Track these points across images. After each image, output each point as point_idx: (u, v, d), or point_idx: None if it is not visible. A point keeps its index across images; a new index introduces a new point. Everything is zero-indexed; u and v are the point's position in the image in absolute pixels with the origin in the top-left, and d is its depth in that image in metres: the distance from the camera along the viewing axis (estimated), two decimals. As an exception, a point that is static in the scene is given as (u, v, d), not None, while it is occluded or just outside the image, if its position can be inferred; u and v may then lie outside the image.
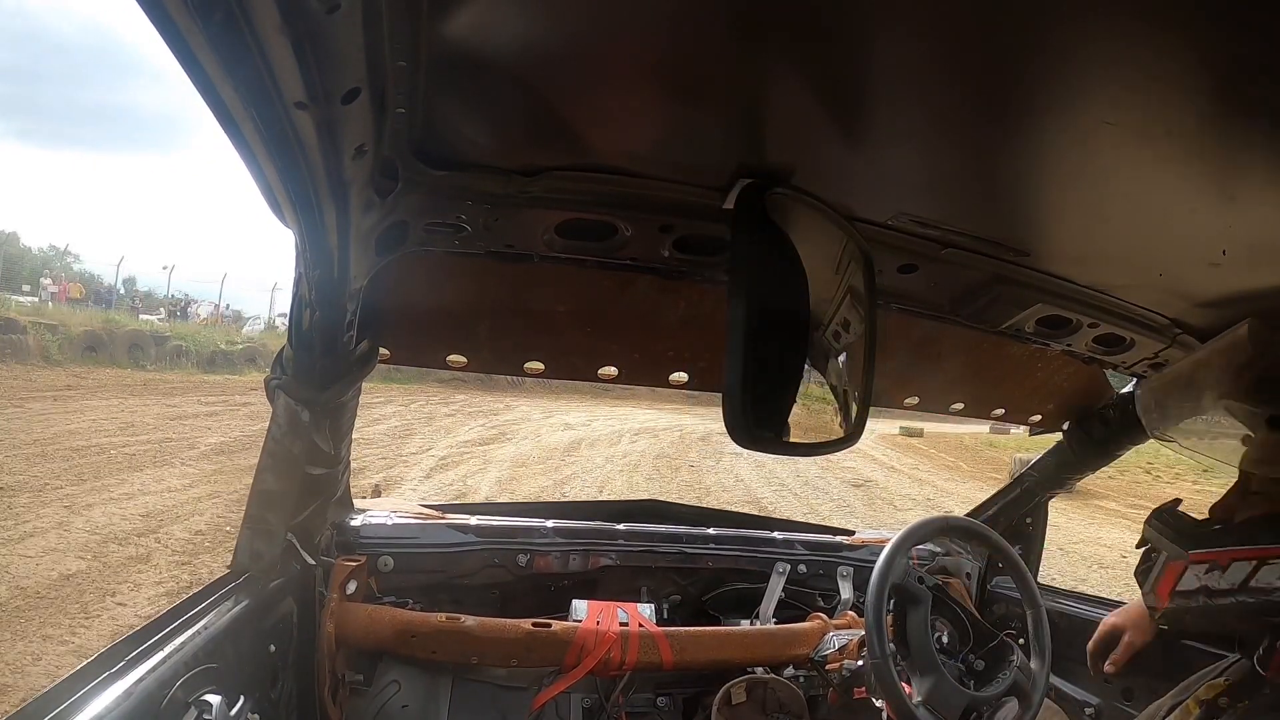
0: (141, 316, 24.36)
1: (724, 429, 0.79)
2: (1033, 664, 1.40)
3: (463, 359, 1.27)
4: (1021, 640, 1.45)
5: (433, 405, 17.44)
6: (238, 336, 24.04)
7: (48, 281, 26.76)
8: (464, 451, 11.68)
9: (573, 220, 0.98)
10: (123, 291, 29.74)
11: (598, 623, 1.50)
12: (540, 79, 0.74)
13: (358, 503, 1.59)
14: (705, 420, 18.22)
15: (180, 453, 9.23)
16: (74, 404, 11.97)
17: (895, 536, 1.40)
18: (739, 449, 0.88)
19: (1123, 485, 13.94)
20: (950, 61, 0.65)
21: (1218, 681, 0.94)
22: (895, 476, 13.61)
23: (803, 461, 11.95)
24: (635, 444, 14.70)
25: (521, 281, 1.14)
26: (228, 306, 30.11)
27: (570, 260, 1.07)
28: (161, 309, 27.78)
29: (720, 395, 0.79)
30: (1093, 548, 8.81)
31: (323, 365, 1.12)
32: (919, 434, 20.67)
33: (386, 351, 1.24)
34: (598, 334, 1.28)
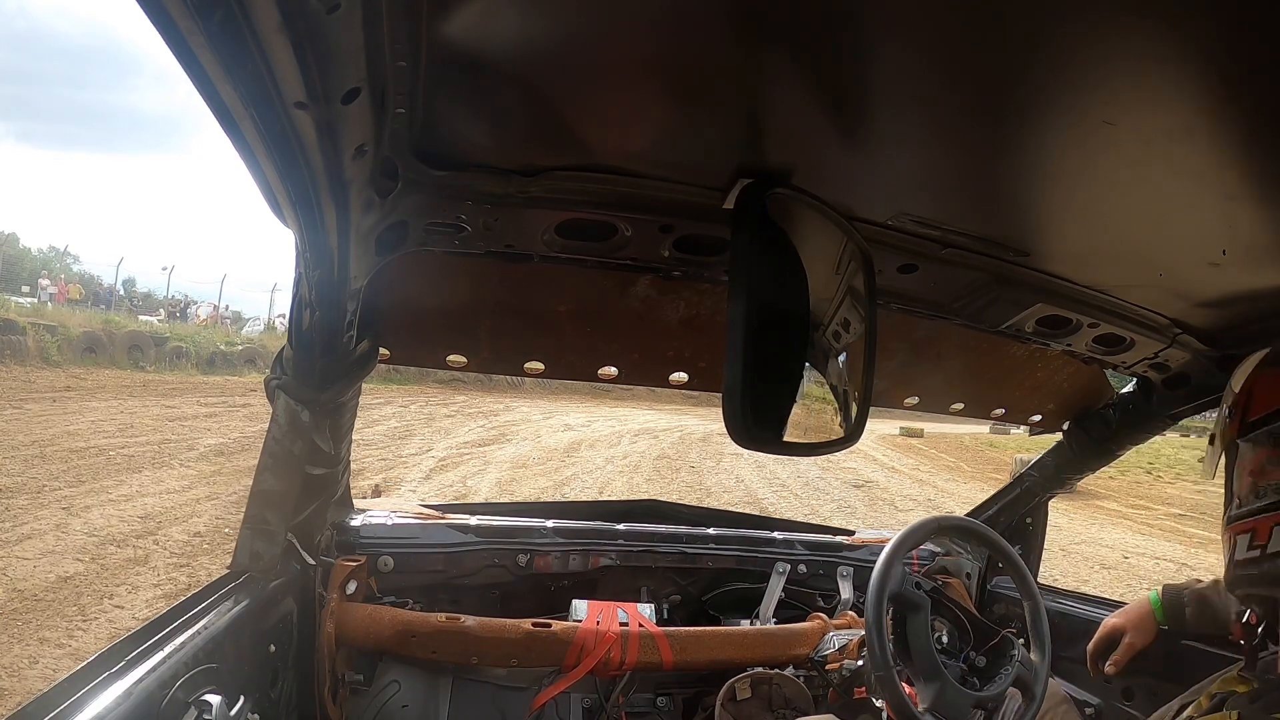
0: (141, 317, 24.30)
1: (724, 429, 0.79)
2: (1033, 656, 1.40)
3: (463, 359, 1.27)
4: (1022, 639, 1.45)
5: (432, 406, 17.40)
6: (237, 337, 23.99)
7: (46, 282, 26.72)
8: (463, 453, 11.67)
9: (573, 220, 0.98)
10: (122, 292, 29.69)
11: (598, 623, 1.50)
12: (540, 79, 0.74)
13: (358, 503, 1.59)
14: (706, 421, 18.23)
15: (179, 454, 9.21)
16: (73, 405, 11.95)
17: (889, 544, 1.39)
18: (739, 450, 0.87)
19: (1123, 485, 13.94)
20: (951, 62, 0.65)
21: (1230, 675, 0.94)
22: (896, 477, 13.60)
23: (803, 462, 11.95)
24: (635, 445, 14.69)
25: (521, 281, 1.14)
26: (227, 307, 30.05)
27: (570, 260, 1.07)
28: (161, 310, 27.71)
29: (720, 395, 0.79)
30: (1094, 548, 8.81)
31: (323, 365, 1.12)
32: (919, 434, 20.67)
33: (386, 351, 1.24)
34: (598, 334, 1.28)
